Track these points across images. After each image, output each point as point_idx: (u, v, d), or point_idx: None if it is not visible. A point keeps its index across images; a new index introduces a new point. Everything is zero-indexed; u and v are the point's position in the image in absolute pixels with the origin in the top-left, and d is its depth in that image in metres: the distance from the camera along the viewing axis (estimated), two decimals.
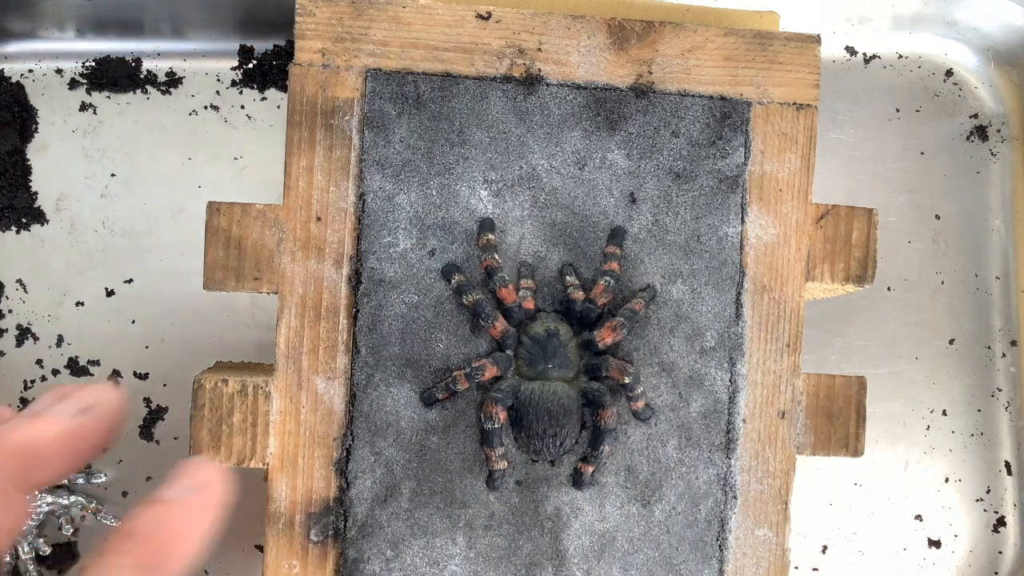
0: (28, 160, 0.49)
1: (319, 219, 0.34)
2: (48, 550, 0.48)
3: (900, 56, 0.54)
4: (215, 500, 0.25)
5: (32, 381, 0.48)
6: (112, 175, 0.49)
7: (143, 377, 0.49)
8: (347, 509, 0.34)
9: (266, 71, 0.50)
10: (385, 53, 0.35)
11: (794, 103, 0.36)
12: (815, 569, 0.52)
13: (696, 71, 0.36)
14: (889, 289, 0.53)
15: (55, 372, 0.49)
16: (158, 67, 0.50)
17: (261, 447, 0.34)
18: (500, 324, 0.34)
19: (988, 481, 0.53)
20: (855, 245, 0.37)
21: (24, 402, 0.48)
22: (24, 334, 0.48)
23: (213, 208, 0.34)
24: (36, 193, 0.49)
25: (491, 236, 0.35)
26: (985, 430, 0.53)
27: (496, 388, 0.34)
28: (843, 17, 0.53)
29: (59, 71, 0.50)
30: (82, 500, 0.47)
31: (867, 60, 0.54)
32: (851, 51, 0.54)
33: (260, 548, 0.48)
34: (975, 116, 0.54)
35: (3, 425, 0.25)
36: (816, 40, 0.36)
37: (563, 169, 0.35)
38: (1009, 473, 0.53)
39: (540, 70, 0.35)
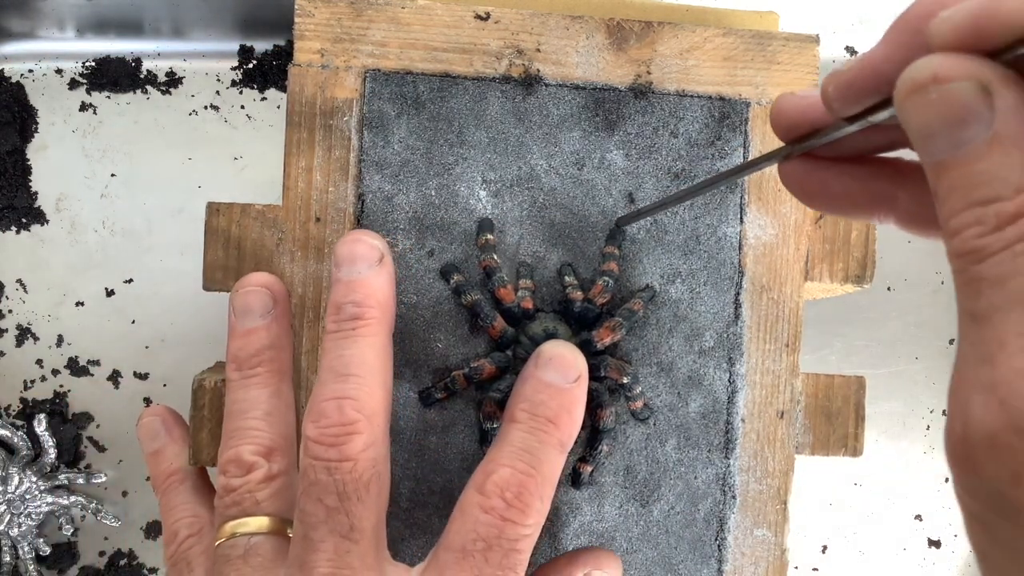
0: (28, 160, 0.49)
1: (318, 219, 0.34)
2: (48, 550, 0.48)
3: None
4: (585, 387, 0.31)
5: (32, 381, 0.49)
6: (112, 175, 0.49)
7: (143, 377, 0.49)
8: None
9: (266, 71, 0.51)
10: (384, 54, 0.35)
11: None
12: (815, 569, 0.52)
13: (695, 71, 0.36)
14: (889, 289, 0.53)
15: (55, 372, 0.49)
16: (158, 67, 0.50)
17: None
18: (499, 324, 0.34)
19: None
20: (854, 245, 0.37)
21: (24, 402, 0.48)
22: (24, 334, 0.49)
23: (212, 208, 0.34)
24: (36, 193, 0.49)
25: (490, 236, 0.35)
26: None
27: (495, 388, 0.34)
28: (843, 17, 0.53)
29: (59, 71, 0.50)
30: (82, 500, 0.47)
31: None
32: (851, 51, 0.54)
33: None
34: None
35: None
36: (815, 40, 0.36)
37: (562, 169, 0.35)
38: None
39: (539, 70, 0.35)
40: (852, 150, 0.24)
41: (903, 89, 0.19)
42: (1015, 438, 0.17)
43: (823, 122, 0.23)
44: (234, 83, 0.50)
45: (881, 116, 0.21)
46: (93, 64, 0.50)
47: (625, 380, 0.34)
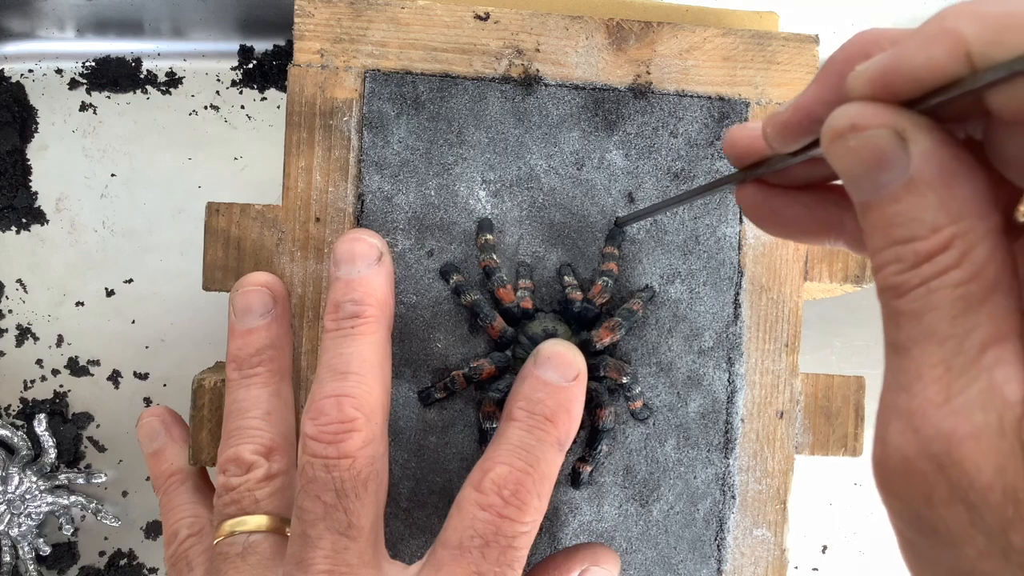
0: (28, 160, 0.49)
1: (318, 219, 0.34)
2: (48, 550, 0.48)
3: None
4: (584, 386, 0.31)
5: (32, 381, 0.49)
6: (112, 175, 0.50)
7: (143, 377, 0.49)
8: None
9: (266, 71, 0.51)
10: (384, 54, 0.35)
11: None
12: (815, 569, 0.52)
13: (694, 71, 0.36)
14: None
15: (55, 372, 0.49)
16: (158, 67, 0.50)
17: None
18: (498, 324, 0.34)
19: None
20: None
21: (24, 402, 0.48)
22: (24, 334, 0.49)
23: (212, 208, 0.34)
24: (36, 193, 0.49)
25: (489, 236, 0.35)
26: None
27: (494, 387, 0.34)
28: (843, 17, 0.53)
29: (59, 71, 0.50)
30: (82, 500, 0.47)
31: None
32: None
33: None
34: None
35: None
36: (815, 40, 0.36)
37: (561, 169, 0.35)
38: None
39: (538, 70, 0.35)
40: (800, 179, 0.25)
41: (826, 136, 0.20)
42: (926, 463, 0.18)
43: (770, 153, 0.24)
44: (234, 83, 0.50)
45: (818, 151, 0.22)
46: (93, 64, 0.50)
47: (624, 380, 0.34)
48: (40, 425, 0.47)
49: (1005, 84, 0.17)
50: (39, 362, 0.49)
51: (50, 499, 0.47)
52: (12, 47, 0.50)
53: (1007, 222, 0.20)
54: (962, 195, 0.18)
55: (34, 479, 0.47)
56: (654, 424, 0.36)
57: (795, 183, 0.25)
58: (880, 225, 0.19)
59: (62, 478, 0.47)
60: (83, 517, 0.49)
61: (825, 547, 0.52)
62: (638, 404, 0.35)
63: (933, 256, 0.18)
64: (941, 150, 0.19)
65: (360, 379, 0.30)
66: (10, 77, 0.49)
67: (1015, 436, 0.17)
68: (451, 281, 0.34)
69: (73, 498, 0.47)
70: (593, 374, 0.34)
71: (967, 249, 0.18)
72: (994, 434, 0.17)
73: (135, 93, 0.50)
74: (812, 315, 0.50)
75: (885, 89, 0.19)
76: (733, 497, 0.36)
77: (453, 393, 0.34)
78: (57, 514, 0.48)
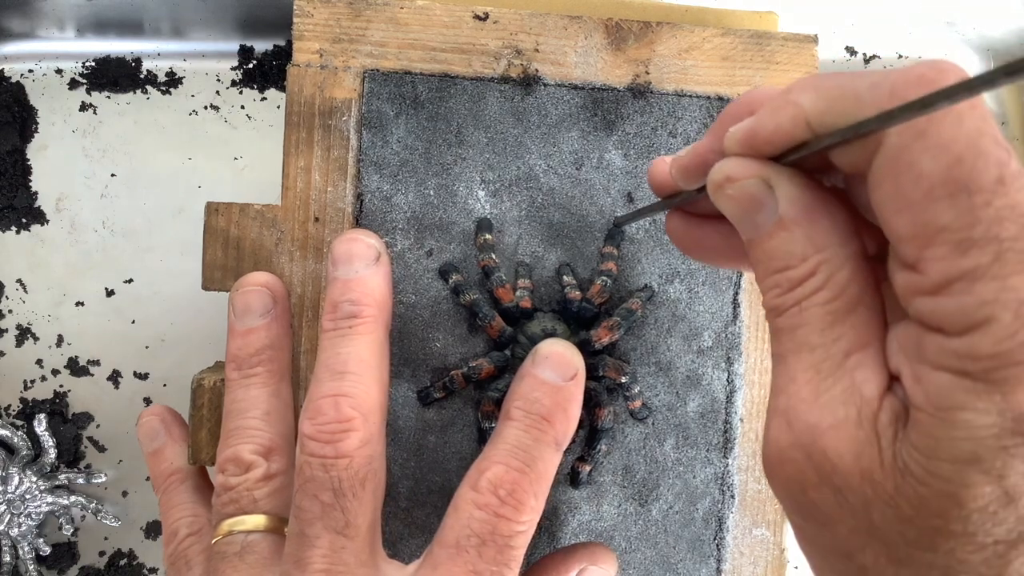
0: (28, 160, 0.49)
1: (317, 219, 0.34)
2: (48, 550, 0.48)
3: (900, 56, 0.54)
4: (582, 385, 0.31)
5: (32, 381, 0.49)
6: (112, 175, 0.50)
7: (143, 377, 0.49)
8: None
9: (266, 71, 0.51)
10: (383, 54, 0.35)
11: None
12: None
13: (693, 71, 0.36)
14: None
15: (55, 372, 0.49)
16: (158, 67, 0.50)
17: None
18: (497, 323, 0.34)
19: None
20: None
21: (24, 402, 0.48)
22: (24, 334, 0.49)
23: (211, 208, 0.34)
24: (36, 193, 0.49)
25: (488, 236, 0.35)
26: None
27: (493, 387, 0.34)
28: (843, 17, 0.53)
29: (59, 71, 0.50)
30: (82, 500, 0.47)
31: (867, 60, 0.54)
32: (851, 51, 0.54)
33: None
34: None
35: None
36: (813, 40, 0.37)
37: (560, 169, 0.35)
38: None
39: (537, 70, 0.35)
40: (713, 210, 0.27)
41: (710, 187, 0.23)
42: (797, 452, 0.21)
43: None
44: (234, 83, 0.50)
45: None
46: (93, 64, 0.50)
47: (623, 379, 0.34)
48: (40, 425, 0.47)
49: (840, 147, 0.20)
50: (39, 362, 0.49)
51: (50, 499, 0.47)
52: (12, 47, 0.50)
53: (882, 252, 0.22)
54: (824, 228, 0.21)
55: (34, 479, 0.47)
56: (653, 424, 0.36)
57: (711, 212, 0.27)
58: (761, 258, 0.22)
59: (62, 478, 0.47)
60: (83, 517, 0.49)
61: None
62: (637, 404, 0.35)
63: (803, 281, 0.21)
64: (804, 193, 0.22)
65: (357, 379, 0.30)
66: (10, 77, 0.49)
67: (871, 427, 0.20)
68: (450, 281, 0.34)
69: (73, 498, 0.47)
70: (592, 373, 0.34)
71: (831, 273, 0.21)
72: (853, 425, 0.20)
73: (135, 93, 0.50)
74: None
75: (750, 148, 0.22)
76: (732, 496, 0.36)
77: (452, 392, 0.34)
78: (57, 514, 0.48)
